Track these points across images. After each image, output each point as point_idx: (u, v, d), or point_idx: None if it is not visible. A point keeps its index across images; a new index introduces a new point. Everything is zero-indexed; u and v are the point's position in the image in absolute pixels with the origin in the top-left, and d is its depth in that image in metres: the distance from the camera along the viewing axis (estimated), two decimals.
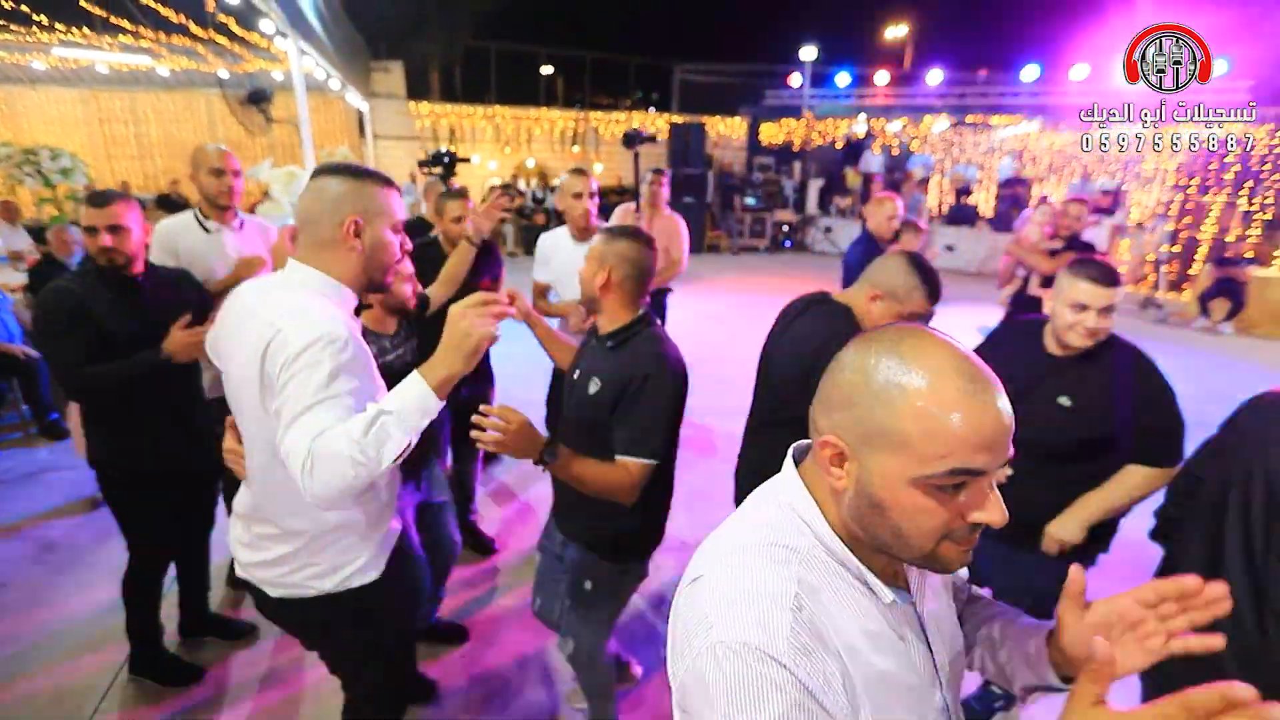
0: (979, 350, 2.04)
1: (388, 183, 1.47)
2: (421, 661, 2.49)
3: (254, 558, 1.49)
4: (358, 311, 1.50)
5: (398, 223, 1.47)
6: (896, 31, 19.57)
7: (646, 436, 1.63)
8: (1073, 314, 1.84)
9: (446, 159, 3.53)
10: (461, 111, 14.86)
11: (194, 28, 7.60)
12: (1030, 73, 11.80)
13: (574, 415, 1.77)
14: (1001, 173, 12.66)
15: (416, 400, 1.25)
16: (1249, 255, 8.39)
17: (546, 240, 3.42)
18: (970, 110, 12.75)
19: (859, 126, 14.12)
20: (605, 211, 4.49)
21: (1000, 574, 2.03)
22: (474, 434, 1.42)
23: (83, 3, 6.66)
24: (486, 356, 2.59)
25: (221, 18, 6.47)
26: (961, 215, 12.35)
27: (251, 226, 2.92)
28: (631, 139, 4.59)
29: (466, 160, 3.93)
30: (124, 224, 2.13)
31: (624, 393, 1.63)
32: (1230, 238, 9.07)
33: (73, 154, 7.02)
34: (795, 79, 14.05)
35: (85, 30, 8.08)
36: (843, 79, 13.65)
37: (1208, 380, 6.21)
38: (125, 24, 7.88)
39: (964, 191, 13.04)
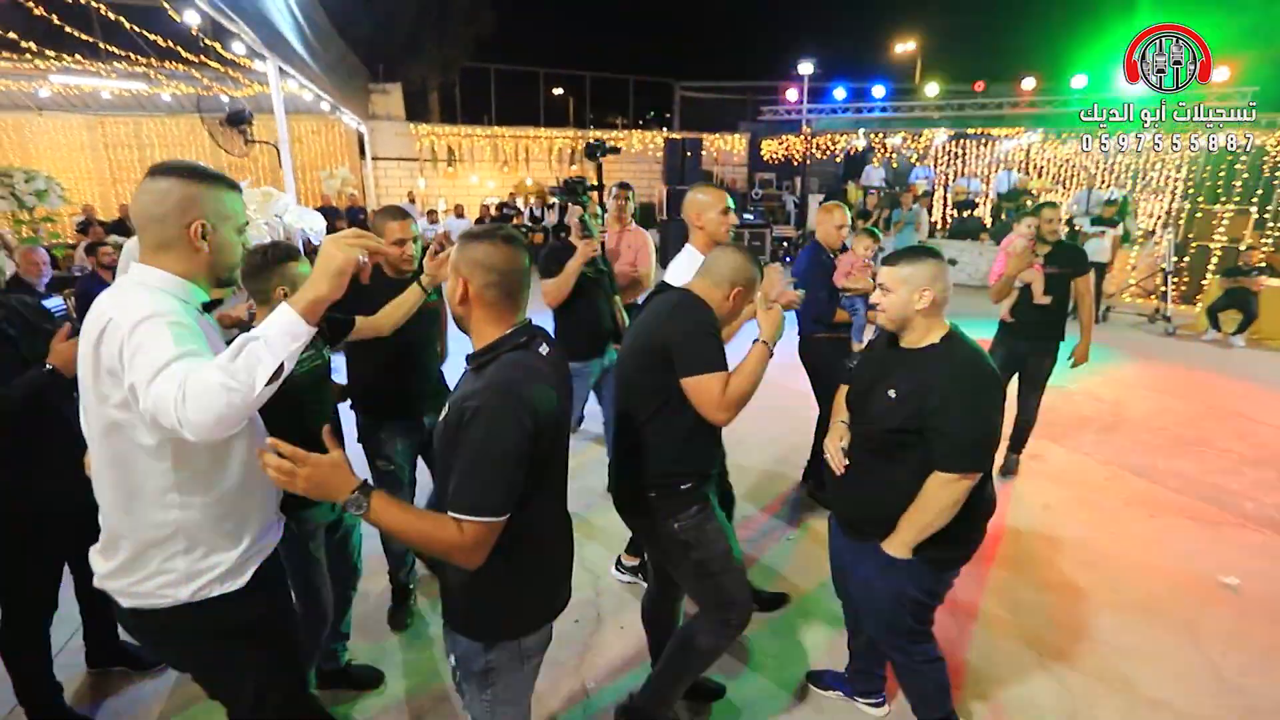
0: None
1: (233, 186, 1.45)
2: (339, 706, 2.34)
3: (105, 567, 1.42)
4: (209, 308, 1.46)
5: (241, 225, 1.47)
6: (904, 47, 19.51)
7: (474, 488, 1.30)
8: (877, 295, 1.89)
9: (581, 189, 3.47)
10: (461, 132, 14.97)
11: (185, 52, 7.67)
12: (1029, 83, 11.63)
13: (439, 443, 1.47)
14: (999, 185, 12.44)
15: (285, 324, 1.23)
16: (1261, 264, 8.09)
17: None
18: (970, 122, 12.57)
19: (858, 140, 14.01)
20: None
21: (857, 566, 2.05)
22: (261, 464, 1.23)
23: (69, 29, 6.72)
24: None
25: (206, 41, 6.50)
26: (965, 229, 12.14)
27: None
28: (593, 150, 4.48)
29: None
30: None
31: (458, 428, 1.33)
32: (1243, 246, 8.79)
33: (48, 176, 7.06)
34: (793, 94, 13.97)
35: (78, 57, 8.20)
36: (840, 93, 13.55)
37: (1213, 396, 5.94)
38: (118, 50, 7.98)
39: (967, 205, 12.83)
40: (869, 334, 3.80)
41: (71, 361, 1.93)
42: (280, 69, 6.54)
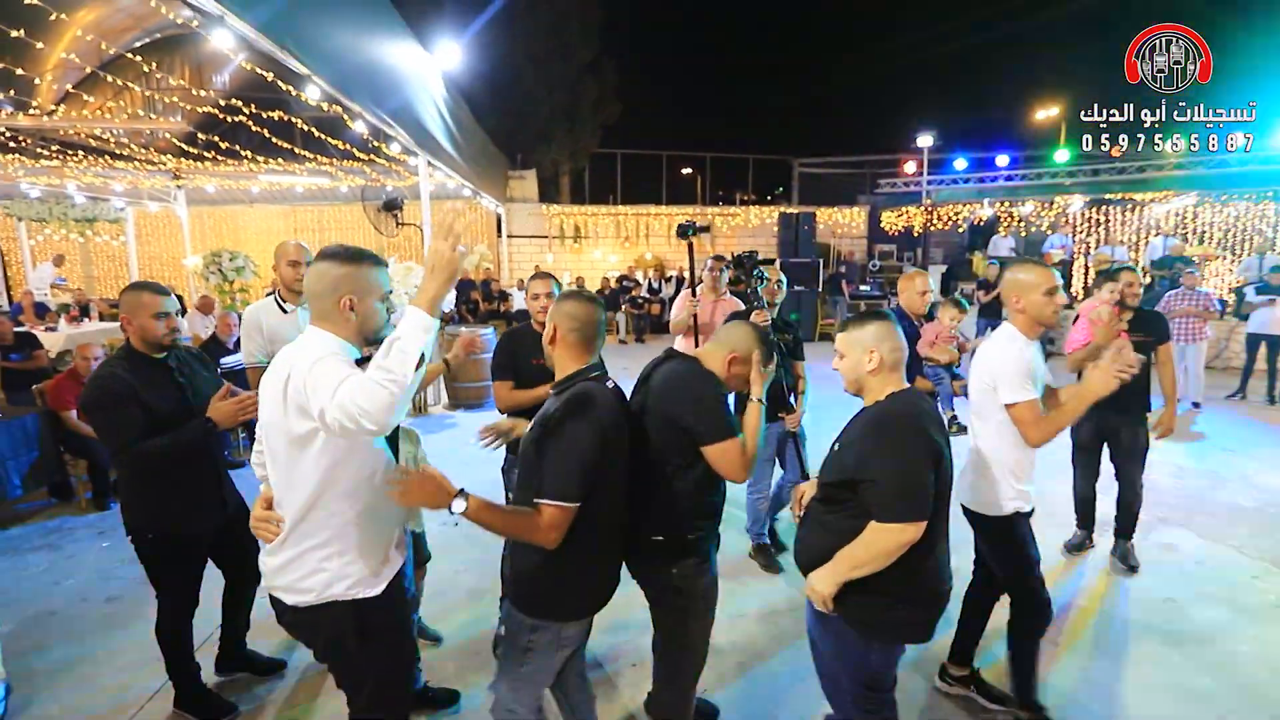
0: None
1: (378, 262, 1.77)
2: None
3: (272, 565, 1.75)
4: (361, 364, 1.75)
5: (385, 295, 1.78)
6: (1046, 113, 18.79)
7: (556, 478, 1.68)
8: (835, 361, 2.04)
9: (752, 262, 3.75)
10: (587, 211, 16.16)
11: (358, 153, 9.12)
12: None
13: (521, 462, 1.86)
14: (1152, 252, 11.42)
15: (416, 322, 1.50)
16: None
17: None
18: (1109, 188, 11.79)
19: (984, 210, 13.52)
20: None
21: (819, 635, 2.04)
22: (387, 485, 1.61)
23: (276, 141, 8.28)
24: None
25: (374, 143, 7.74)
26: None
27: None
28: (684, 230, 4.81)
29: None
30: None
31: (544, 432, 1.72)
32: None
33: (246, 255, 8.55)
34: (911, 166, 13.85)
35: (281, 160, 10.01)
36: (960, 163, 13.26)
37: None
38: (308, 155, 9.65)
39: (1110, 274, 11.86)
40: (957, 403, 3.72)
41: (228, 418, 2.42)
42: (429, 163, 7.60)
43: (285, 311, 3.23)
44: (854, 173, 16.59)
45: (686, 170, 18.95)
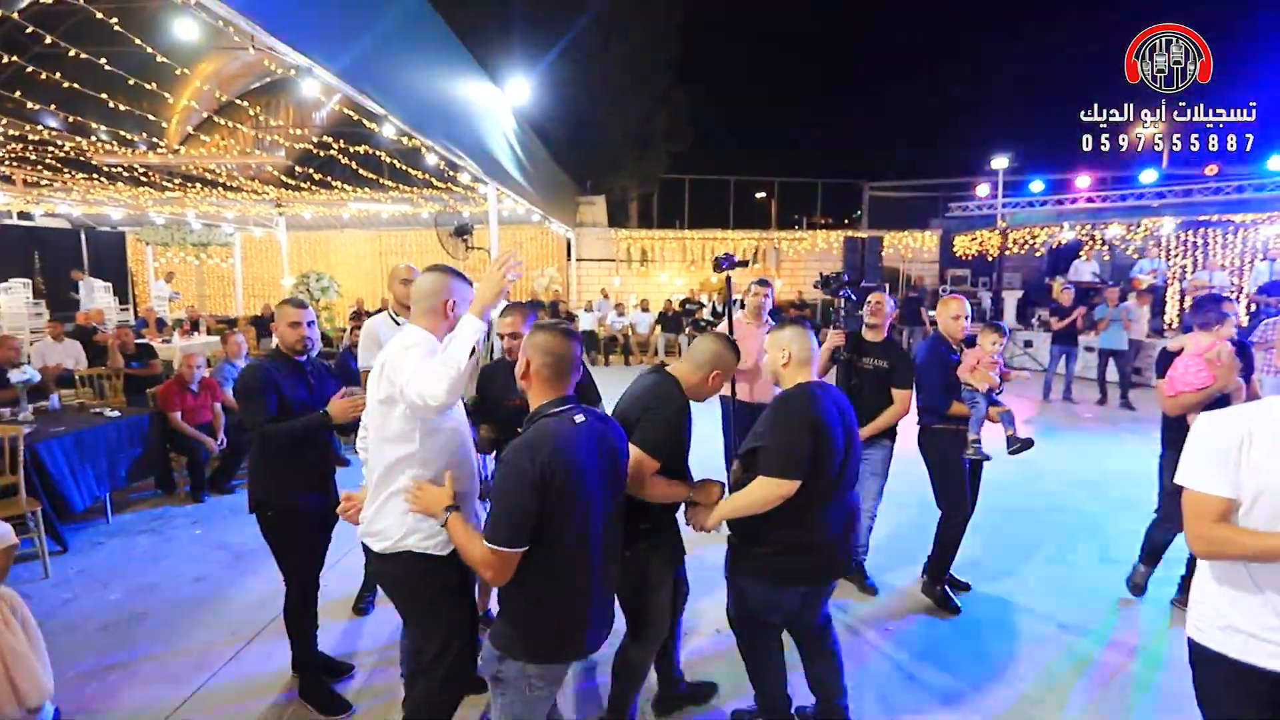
0: None
1: (469, 282, 2.19)
2: None
3: (365, 515, 2.13)
4: None
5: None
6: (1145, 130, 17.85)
7: (490, 521, 1.73)
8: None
9: (837, 283, 4.11)
10: (654, 235, 16.52)
11: (435, 181, 9.80)
12: (1277, 162, 10.06)
13: None
14: (1257, 276, 10.62)
15: (468, 323, 1.95)
16: None
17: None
18: (1204, 209, 11.08)
19: (1065, 233, 12.95)
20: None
21: None
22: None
23: (364, 172, 9.05)
24: None
25: (449, 173, 8.34)
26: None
27: None
28: (719, 264, 4.96)
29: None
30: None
31: (494, 471, 1.91)
32: None
33: (331, 276, 9.31)
34: (983, 189, 13.46)
35: (368, 190, 10.88)
36: (1037, 185, 12.78)
37: None
38: (392, 184, 10.44)
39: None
40: (1005, 431, 3.63)
41: (342, 413, 2.78)
42: (498, 190, 8.10)
43: (398, 324, 3.50)
44: (926, 196, 16.25)
45: (761, 195, 19.02)
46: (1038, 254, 13.46)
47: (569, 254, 16.22)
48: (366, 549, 2.13)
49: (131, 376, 6.77)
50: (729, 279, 4.87)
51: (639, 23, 17.01)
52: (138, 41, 4.91)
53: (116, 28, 4.29)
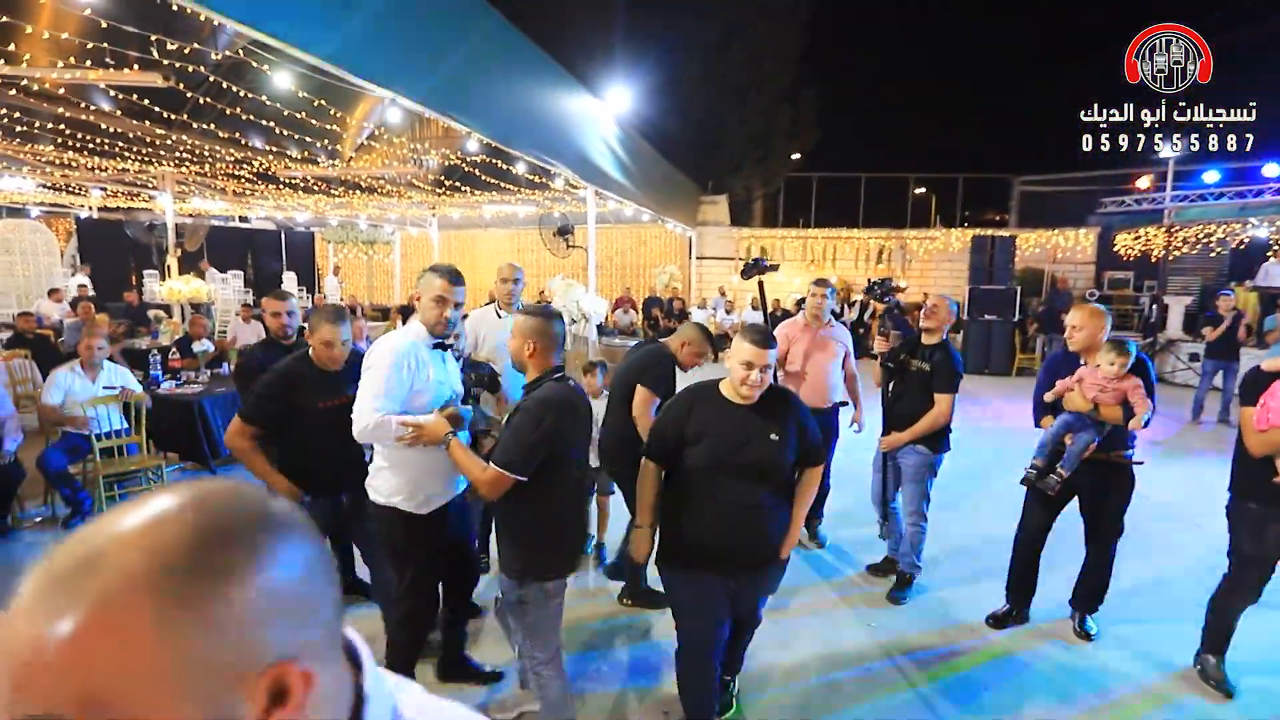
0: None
1: (438, 274, 2.55)
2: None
3: (371, 470, 2.61)
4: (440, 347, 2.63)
5: (440, 298, 2.54)
6: None
7: (505, 452, 2.19)
8: (742, 370, 2.27)
9: (882, 289, 4.38)
10: (777, 235, 16.43)
11: (552, 186, 10.65)
12: None
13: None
14: None
15: (387, 430, 2.39)
16: None
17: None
18: None
19: (1258, 229, 11.11)
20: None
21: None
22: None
23: (495, 180, 10.11)
24: None
25: (546, 178, 9.10)
26: None
27: None
28: (749, 270, 5.09)
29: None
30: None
31: (510, 417, 2.31)
32: None
33: (458, 269, 10.46)
34: (1144, 181, 11.93)
35: (498, 194, 12.06)
36: (1212, 175, 11.10)
37: None
38: (518, 188, 11.49)
39: None
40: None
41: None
42: (597, 192, 8.70)
43: (500, 317, 3.85)
44: (1082, 190, 14.63)
45: (920, 190, 18.10)
46: (1214, 254, 11.69)
47: (690, 252, 16.61)
48: (369, 499, 2.60)
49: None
50: (761, 284, 5.02)
51: (763, 21, 16.95)
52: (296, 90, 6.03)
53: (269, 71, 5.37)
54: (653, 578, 3.03)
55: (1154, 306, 11.95)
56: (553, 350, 2.33)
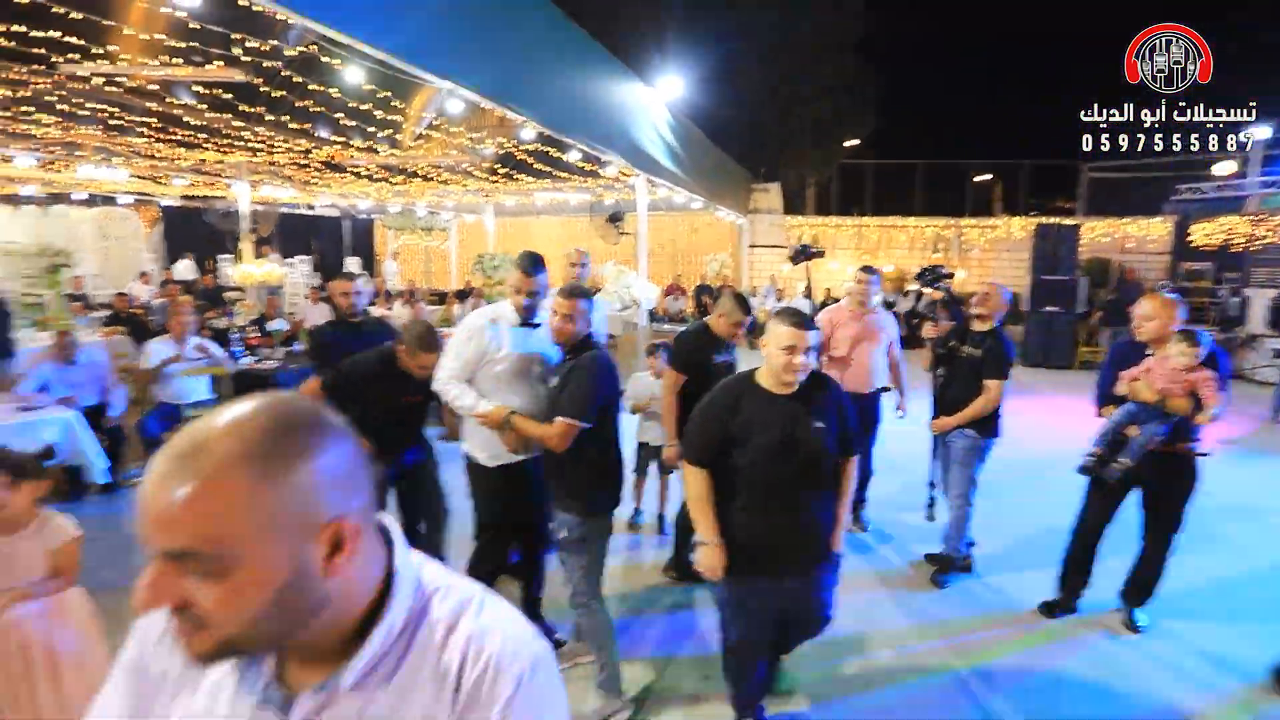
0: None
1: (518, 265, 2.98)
2: None
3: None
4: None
5: (517, 287, 3.01)
6: None
7: (572, 404, 2.51)
8: (783, 355, 2.22)
9: (932, 277, 4.52)
10: (830, 223, 16.17)
11: (603, 174, 10.79)
12: None
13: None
14: None
15: (481, 410, 2.82)
16: None
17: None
18: None
19: None
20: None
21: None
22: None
23: (547, 168, 10.32)
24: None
25: (597, 166, 9.22)
26: None
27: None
28: (798, 256, 5.10)
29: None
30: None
31: (565, 378, 2.58)
32: None
33: (505, 255, 10.73)
34: (1223, 166, 11.25)
35: (550, 181, 12.27)
36: None
37: None
38: (569, 175, 11.69)
39: None
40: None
41: None
42: (650, 180, 8.78)
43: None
44: (1158, 175, 13.87)
45: (982, 177, 17.48)
46: None
47: (742, 240, 16.52)
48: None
49: None
50: (809, 270, 5.04)
51: (819, 6, 16.61)
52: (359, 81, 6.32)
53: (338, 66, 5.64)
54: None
55: (1235, 300, 11.32)
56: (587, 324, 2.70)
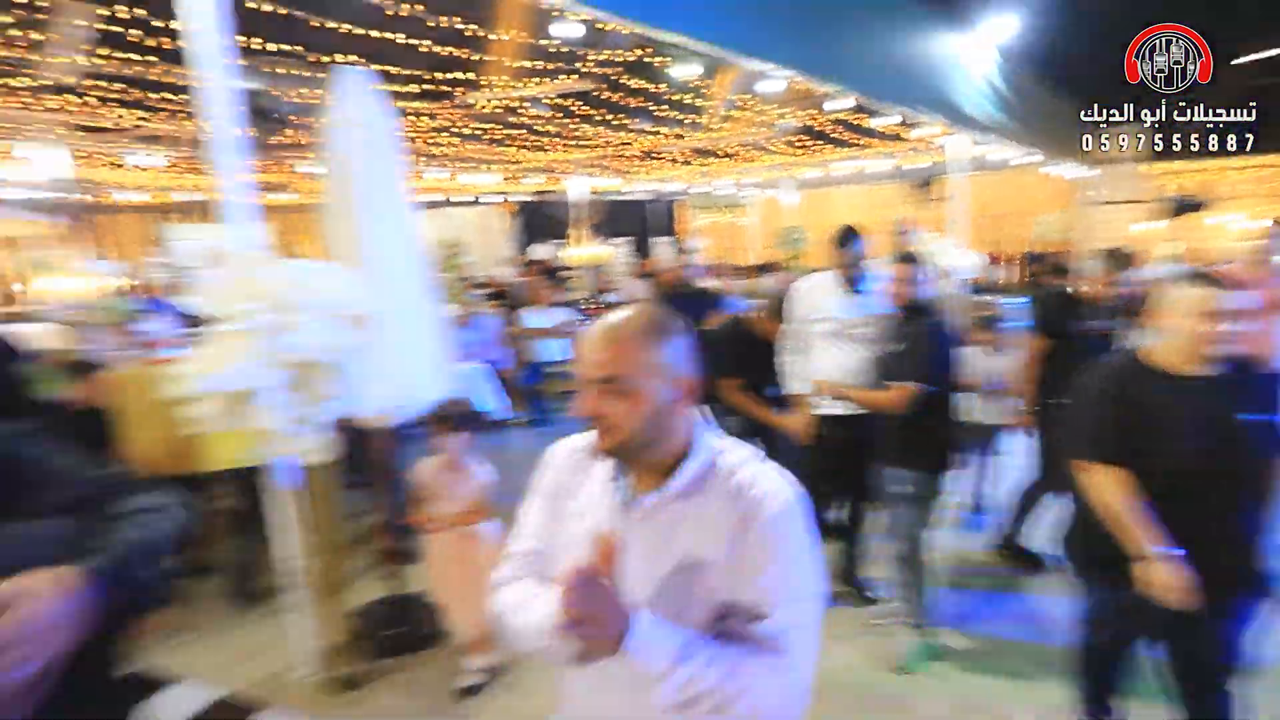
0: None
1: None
2: None
3: None
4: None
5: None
6: None
7: (919, 368, 2.74)
8: (1204, 323, 1.80)
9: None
10: (1211, 167, 12.77)
11: (905, 136, 10.14)
12: None
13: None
14: None
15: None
16: None
17: None
18: None
19: None
20: None
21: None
22: None
23: (844, 136, 10.09)
24: None
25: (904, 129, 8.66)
26: None
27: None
28: (1179, 208, 4.18)
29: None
30: None
31: (902, 344, 2.80)
32: None
33: (801, 228, 10.70)
34: None
35: (845, 149, 11.96)
36: None
37: None
38: (871, 141, 11.22)
39: None
40: None
41: None
42: (974, 141, 8.01)
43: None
44: None
45: None
46: None
47: (1080, 198, 13.97)
48: None
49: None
50: (1190, 227, 4.17)
51: None
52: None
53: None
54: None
55: None
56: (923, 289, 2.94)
